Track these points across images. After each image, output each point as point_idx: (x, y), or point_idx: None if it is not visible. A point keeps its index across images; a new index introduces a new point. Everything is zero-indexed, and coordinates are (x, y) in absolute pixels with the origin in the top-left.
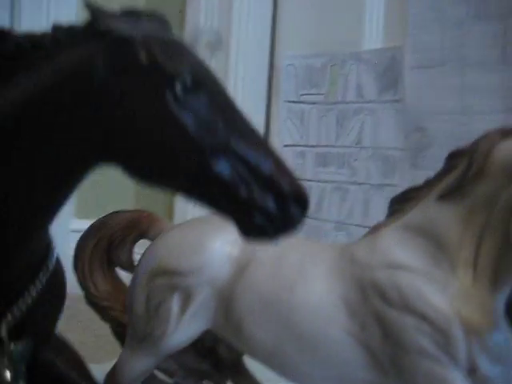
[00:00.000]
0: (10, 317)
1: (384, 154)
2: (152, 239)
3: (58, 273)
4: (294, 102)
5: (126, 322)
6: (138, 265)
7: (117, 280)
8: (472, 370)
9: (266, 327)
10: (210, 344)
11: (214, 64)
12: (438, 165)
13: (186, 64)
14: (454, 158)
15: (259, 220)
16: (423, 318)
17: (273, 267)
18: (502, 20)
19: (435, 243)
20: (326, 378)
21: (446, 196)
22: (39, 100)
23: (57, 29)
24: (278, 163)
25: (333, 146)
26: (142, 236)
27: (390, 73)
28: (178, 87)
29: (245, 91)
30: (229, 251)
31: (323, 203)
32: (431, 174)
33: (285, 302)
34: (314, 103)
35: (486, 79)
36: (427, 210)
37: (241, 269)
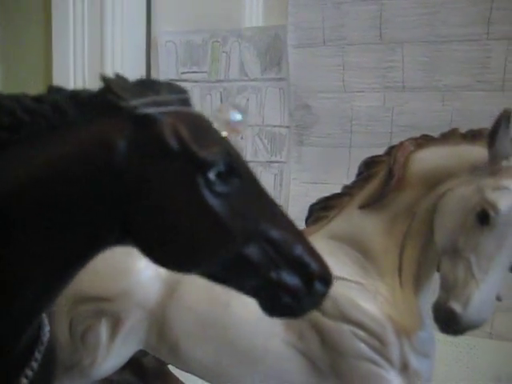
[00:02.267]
0: None
1: (270, 132)
2: None
3: (50, 346)
4: (175, 80)
5: None
6: None
7: None
8: (404, 367)
9: (204, 346)
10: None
11: (88, 41)
12: (323, 141)
13: (219, 149)
14: (370, 166)
15: (286, 300)
16: (358, 325)
17: (205, 285)
18: (378, 1)
19: (362, 252)
20: None
21: (368, 205)
22: (44, 181)
23: (57, 95)
24: (306, 245)
25: None
26: None
27: (272, 51)
28: (211, 174)
29: (123, 71)
30: (156, 272)
31: None
32: (317, 150)
33: (221, 320)
34: (196, 81)
35: (365, 58)
36: (351, 219)
37: (171, 289)
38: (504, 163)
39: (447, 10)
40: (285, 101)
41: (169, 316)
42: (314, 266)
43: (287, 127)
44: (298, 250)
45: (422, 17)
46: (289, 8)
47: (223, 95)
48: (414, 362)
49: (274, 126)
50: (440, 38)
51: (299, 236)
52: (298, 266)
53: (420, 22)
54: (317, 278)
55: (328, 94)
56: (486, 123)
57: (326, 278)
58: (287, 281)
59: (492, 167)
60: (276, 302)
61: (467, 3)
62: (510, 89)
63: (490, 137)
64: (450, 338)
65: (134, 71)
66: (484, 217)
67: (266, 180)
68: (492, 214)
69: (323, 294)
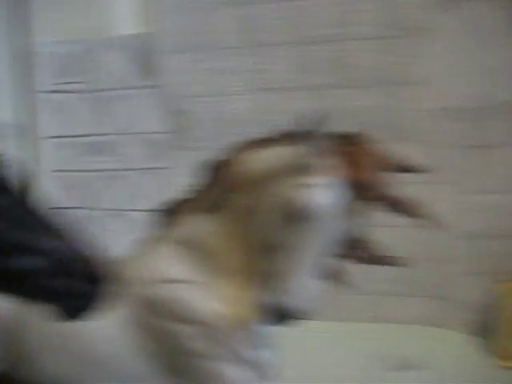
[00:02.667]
0: None
1: (151, 139)
2: None
3: None
4: (50, 91)
5: None
6: None
7: None
8: (248, 361)
9: (58, 359)
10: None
11: None
12: (201, 144)
13: None
14: (212, 168)
15: (73, 303)
16: (200, 325)
17: None
18: (246, 6)
19: (204, 254)
20: None
21: (209, 209)
22: None
23: None
24: (77, 252)
25: (99, 135)
26: None
27: (146, 58)
28: None
29: None
30: None
31: (99, 193)
32: (195, 154)
33: (71, 331)
34: (72, 92)
35: (237, 62)
36: (194, 223)
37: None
38: (314, 161)
39: (309, 13)
40: (162, 107)
41: (20, 333)
42: (88, 267)
43: (165, 133)
44: (71, 257)
45: (287, 20)
46: (159, 15)
47: (101, 105)
48: (257, 354)
49: (153, 133)
50: (305, 40)
51: (71, 244)
52: (74, 272)
53: (287, 26)
54: (94, 278)
55: (203, 98)
56: (361, 118)
57: (104, 276)
58: (66, 285)
59: (304, 165)
60: (66, 308)
61: (325, 6)
62: (367, 85)
63: (302, 136)
64: (332, 324)
65: (2, 83)
66: (295, 213)
67: (151, 186)
68: (302, 210)
69: (104, 290)
